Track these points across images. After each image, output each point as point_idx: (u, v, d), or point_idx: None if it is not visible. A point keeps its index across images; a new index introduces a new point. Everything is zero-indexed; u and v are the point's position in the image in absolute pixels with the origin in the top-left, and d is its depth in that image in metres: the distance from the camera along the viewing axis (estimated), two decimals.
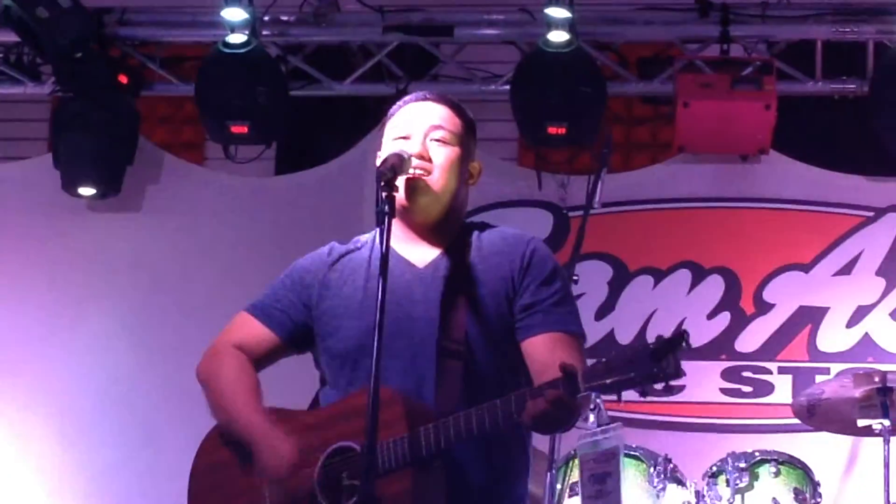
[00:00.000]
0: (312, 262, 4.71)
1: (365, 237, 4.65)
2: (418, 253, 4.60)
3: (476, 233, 4.64)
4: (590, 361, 4.23)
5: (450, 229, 4.64)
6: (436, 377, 4.47)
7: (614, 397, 4.09)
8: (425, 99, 4.68)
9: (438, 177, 4.54)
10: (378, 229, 4.29)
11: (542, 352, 4.46)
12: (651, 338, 8.40)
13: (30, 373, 8.62)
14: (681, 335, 4.00)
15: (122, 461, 8.36)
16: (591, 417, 6.42)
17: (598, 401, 5.97)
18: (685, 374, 3.99)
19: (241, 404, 4.60)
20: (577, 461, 6.83)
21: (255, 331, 4.70)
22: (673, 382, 3.99)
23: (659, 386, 4.02)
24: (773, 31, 8.39)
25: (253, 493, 4.53)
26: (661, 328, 8.19)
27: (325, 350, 4.63)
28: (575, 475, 6.94)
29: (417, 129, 4.58)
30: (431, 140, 4.57)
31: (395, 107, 4.70)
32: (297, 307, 4.67)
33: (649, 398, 4.14)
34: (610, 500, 6.60)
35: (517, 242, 4.64)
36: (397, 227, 4.43)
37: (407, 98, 4.73)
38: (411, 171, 4.45)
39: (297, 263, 4.75)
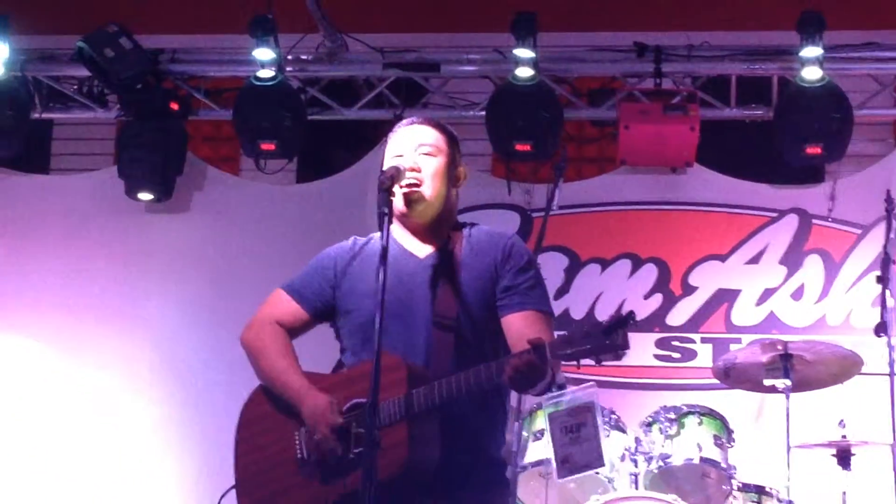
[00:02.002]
0: (337, 251, 4.75)
1: (377, 234, 4.60)
2: (419, 246, 4.65)
3: (467, 230, 4.71)
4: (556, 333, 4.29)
5: (445, 226, 4.69)
6: (432, 347, 4.50)
7: (574, 363, 4.17)
8: (413, 123, 4.75)
9: (429, 183, 4.60)
10: (382, 227, 4.31)
11: (518, 326, 4.50)
12: (599, 314, 8.55)
13: (99, 346, 8.60)
14: (629, 315, 4.08)
15: (173, 416, 8.38)
16: None
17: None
18: (628, 350, 4.08)
19: (283, 366, 4.64)
20: (541, 413, 6.84)
21: (288, 307, 4.74)
22: (620, 353, 4.08)
23: (610, 356, 4.10)
24: (696, 68, 8.39)
25: (287, 439, 4.55)
26: (607, 307, 8.32)
27: (345, 323, 4.67)
28: (537, 425, 6.94)
29: (408, 147, 4.64)
30: (420, 154, 4.63)
31: (392, 132, 4.74)
32: (323, 288, 4.70)
33: (602, 363, 4.17)
34: (589, 446, 6.61)
35: (500, 238, 4.70)
36: (403, 226, 4.61)
37: (401, 123, 4.79)
38: (405, 180, 4.50)
39: (324, 252, 4.78)
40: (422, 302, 4.54)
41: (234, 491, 4.67)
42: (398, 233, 4.56)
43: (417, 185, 4.57)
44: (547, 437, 6.75)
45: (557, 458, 6.66)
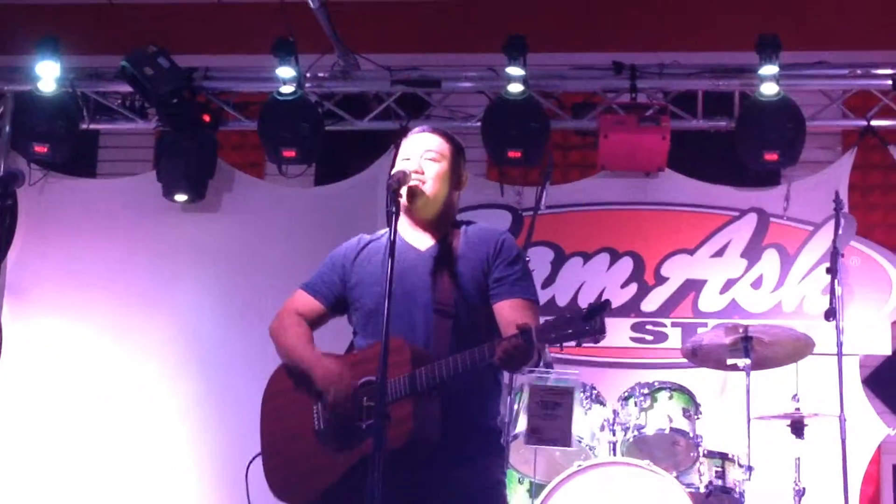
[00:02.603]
0: (346, 249, 4.78)
1: (383, 230, 4.67)
2: (421, 240, 4.67)
3: (465, 227, 4.74)
4: (542, 319, 4.30)
5: (444, 223, 4.72)
6: (431, 330, 4.51)
7: (558, 346, 4.18)
8: (422, 131, 4.79)
9: (430, 184, 4.64)
10: (389, 219, 4.36)
11: (508, 312, 4.51)
12: (581, 302, 8.53)
13: (139, 328, 8.60)
14: (605, 304, 4.14)
15: (203, 392, 8.39)
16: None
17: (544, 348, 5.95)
18: (606, 333, 4.12)
19: (302, 348, 4.67)
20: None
21: (308, 303, 4.78)
22: (598, 336, 4.11)
23: (589, 339, 4.12)
24: (667, 85, 8.38)
25: (306, 412, 4.57)
26: (588, 295, 8.33)
27: (356, 311, 4.69)
28: (527, 399, 6.94)
29: (415, 152, 4.68)
30: (425, 159, 4.65)
31: (405, 137, 4.80)
32: (336, 284, 4.74)
33: (582, 346, 4.19)
34: (559, 423, 6.62)
35: (493, 234, 4.73)
36: (406, 222, 4.65)
37: (413, 131, 4.84)
38: (411, 182, 4.54)
39: (335, 251, 4.81)
40: (422, 290, 4.55)
41: (259, 458, 4.68)
42: (403, 228, 4.57)
43: (421, 185, 4.61)
44: (524, 404, 6.78)
45: (528, 426, 6.70)
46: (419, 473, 4.37)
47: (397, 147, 4.85)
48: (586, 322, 4.12)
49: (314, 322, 4.77)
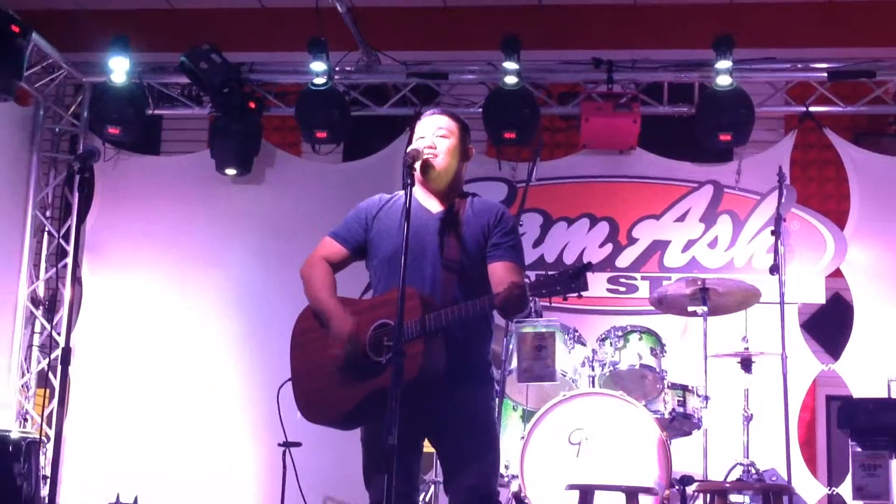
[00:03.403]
0: (368, 205, 4.82)
1: (400, 192, 4.72)
2: (434, 205, 4.73)
3: (471, 198, 4.80)
4: (532, 273, 4.37)
5: (453, 191, 4.78)
6: (438, 282, 4.56)
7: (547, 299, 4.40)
8: (434, 113, 4.83)
9: (442, 158, 4.68)
10: (405, 191, 4.40)
11: (500, 272, 4.57)
12: (566, 258, 8.50)
13: (196, 281, 8.66)
14: (588, 265, 4.27)
15: (246, 331, 8.45)
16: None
17: (535, 299, 5.99)
18: (588, 288, 4.25)
19: (325, 294, 4.69)
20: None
21: (334, 248, 4.81)
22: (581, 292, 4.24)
23: (573, 294, 4.25)
24: (638, 77, 8.38)
25: (326, 348, 4.59)
26: (571, 252, 8.38)
27: (373, 258, 4.73)
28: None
29: (428, 130, 4.73)
30: (437, 136, 4.69)
31: (419, 119, 4.83)
32: (358, 232, 4.78)
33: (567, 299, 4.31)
34: (546, 363, 6.66)
35: (494, 207, 4.78)
36: (420, 190, 4.69)
37: (426, 112, 4.88)
38: (424, 156, 4.59)
39: (359, 206, 4.85)
40: (432, 246, 4.60)
41: (289, 383, 4.74)
42: (418, 193, 4.63)
43: (433, 158, 4.64)
44: (515, 346, 6.81)
45: (520, 366, 6.72)
46: (427, 396, 4.43)
47: (412, 129, 4.89)
48: (572, 281, 4.23)
49: (338, 265, 4.79)
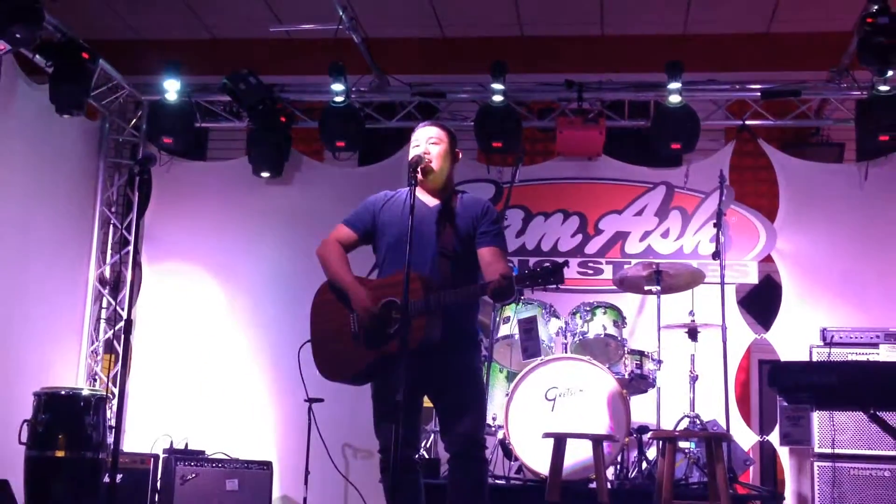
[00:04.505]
0: (375, 198, 4.87)
1: (403, 189, 4.74)
2: (430, 200, 4.75)
3: (461, 195, 4.83)
4: (516, 259, 4.39)
5: (446, 189, 4.81)
6: (435, 267, 4.60)
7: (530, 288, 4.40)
8: (426, 125, 4.88)
9: (436, 161, 4.67)
10: (408, 189, 4.41)
11: (487, 257, 4.62)
12: (543, 246, 8.44)
13: (235, 267, 8.63)
14: (564, 263, 4.36)
15: (277, 302, 8.39)
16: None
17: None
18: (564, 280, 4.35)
19: (342, 271, 4.73)
20: (508, 308, 6.88)
21: (346, 233, 4.84)
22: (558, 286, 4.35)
23: (552, 286, 4.36)
24: (603, 96, 8.34)
25: (344, 317, 4.64)
26: (548, 242, 8.35)
27: (380, 242, 4.76)
28: (506, 312, 6.97)
29: (423, 139, 4.76)
30: (429, 143, 4.69)
31: (415, 130, 4.82)
32: (368, 221, 4.81)
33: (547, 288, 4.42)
34: (537, 342, 6.69)
35: (481, 201, 4.83)
36: (420, 187, 4.68)
37: (419, 125, 4.91)
38: (424, 161, 4.58)
39: (367, 199, 4.90)
40: (430, 235, 4.62)
41: (308, 345, 4.77)
42: (418, 191, 4.61)
43: (429, 163, 4.62)
44: (514, 330, 6.84)
45: (521, 349, 6.75)
46: (427, 361, 4.44)
47: (410, 138, 4.90)
48: (551, 275, 4.31)
49: (348, 247, 4.82)
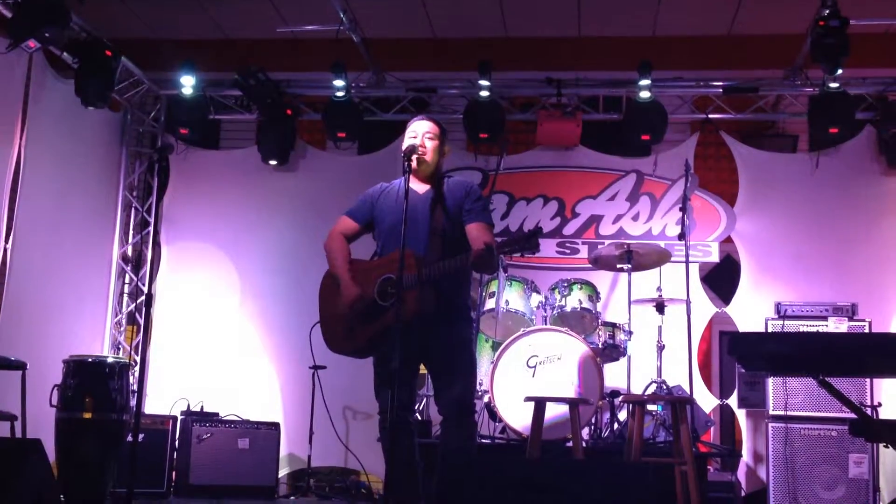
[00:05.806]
0: (372, 190, 4.87)
1: (397, 180, 4.76)
2: (422, 187, 4.74)
3: (447, 179, 4.79)
4: (499, 236, 4.38)
5: (435, 176, 4.79)
6: (428, 245, 4.59)
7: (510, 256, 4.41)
8: (421, 119, 4.84)
9: (429, 155, 4.64)
10: (403, 178, 4.38)
11: (475, 231, 4.61)
12: (525, 228, 8.44)
13: (247, 246, 8.59)
14: (538, 230, 4.32)
15: (289, 283, 8.35)
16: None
17: (500, 257, 6.01)
18: (540, 248, 4.29)
19: (340, 263, 4.73)
20: (493, 283, 6.87)
21: (348, 224, 4.82)
22: (534, 251, 4.27)
23: (529, 252, 4.26)
24: (580, 92, 8.34)
25: (341, 300, 4.61)
26: (530, 224, 8.30)
27: (378, 227, 4.76)
28: (491, 288, 6.97)
29: (420, 132, 4.72)
30: (426, 138, 4.66)
31: (409, 123, 4.78)
32: (367, 211, 4.79)
33: (525, 256, 4.31)
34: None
35: (465, 183, 4.82)
36: (413, 175, 4.65)
37: (414, 118, 4.90)
38: (417, 152, 4.55)
39: (366, 192, 4.88)
40: (423, 217, 4.61)
41: (318, 325, 4.78)
42: (410, 180, 4.56)
43: (423, 154, 4.61)
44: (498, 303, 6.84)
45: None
46: (422, 331, 4.45)
47: (406, 128, 4.88)
48: (527, 241, 4.24)
49: (351, 237, 4.81)
